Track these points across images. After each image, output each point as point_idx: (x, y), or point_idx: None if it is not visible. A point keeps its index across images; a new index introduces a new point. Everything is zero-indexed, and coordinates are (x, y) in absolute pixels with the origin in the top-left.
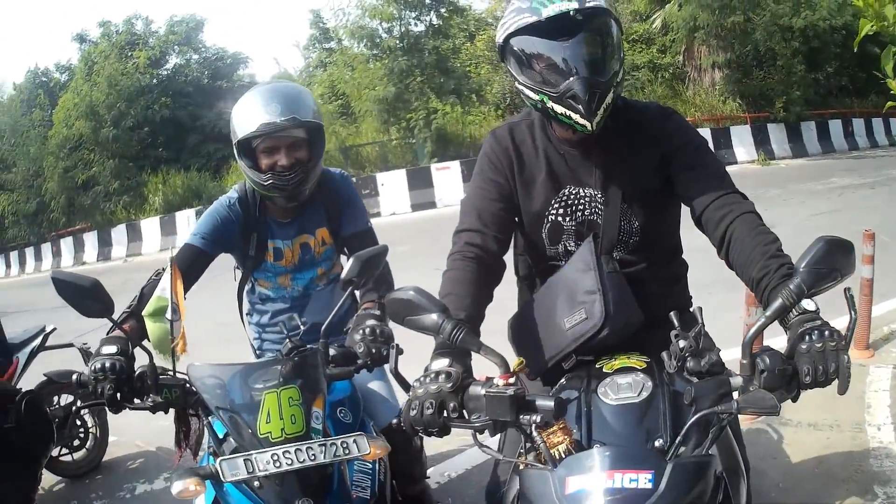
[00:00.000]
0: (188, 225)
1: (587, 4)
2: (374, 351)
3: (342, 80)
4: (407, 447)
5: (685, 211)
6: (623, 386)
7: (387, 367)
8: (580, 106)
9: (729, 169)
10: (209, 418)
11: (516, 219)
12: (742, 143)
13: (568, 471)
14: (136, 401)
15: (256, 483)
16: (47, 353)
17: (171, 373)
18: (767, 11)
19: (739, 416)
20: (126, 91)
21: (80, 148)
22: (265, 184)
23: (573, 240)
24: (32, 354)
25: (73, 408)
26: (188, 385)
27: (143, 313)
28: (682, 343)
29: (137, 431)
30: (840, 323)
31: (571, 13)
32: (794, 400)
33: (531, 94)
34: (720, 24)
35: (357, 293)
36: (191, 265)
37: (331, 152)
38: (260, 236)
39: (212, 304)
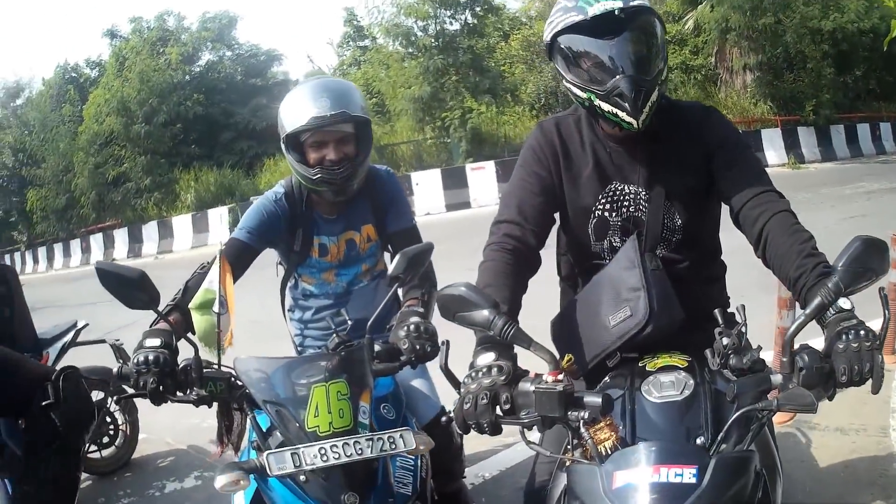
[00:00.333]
0: (220, 222)
1: (632, 3)
2: (418, 347)
3: (377, 78)
4: (448, 444)
5: (724, 212)
6: (666, 384)
7: (429, 364)
8: (626, 104)
9: None
10: (254, 412)
11: (556, 214)
12: (773, 146)
13: (615, 466)
14: (179, 394)
15: (302, 477)
16: (78, 349)
17: (215, 366)
18: (797, 13)
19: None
20: (158, 87)
21: (110, 144)
22: (313, 178)
23: (619, 236)
24: (63, 350)
25: (111, 399)
26: (234, 379)
27: (189, 306)
28: (725, 340)
29: (168, 429)
30: (873, 323)
31: (616, 12)
32: (831, 398)
33: (578, 92)
34: (751, 25)
35: (399, 290)
36: (236, 259)
37: None
38: (306, 232)
39: (244, 302)
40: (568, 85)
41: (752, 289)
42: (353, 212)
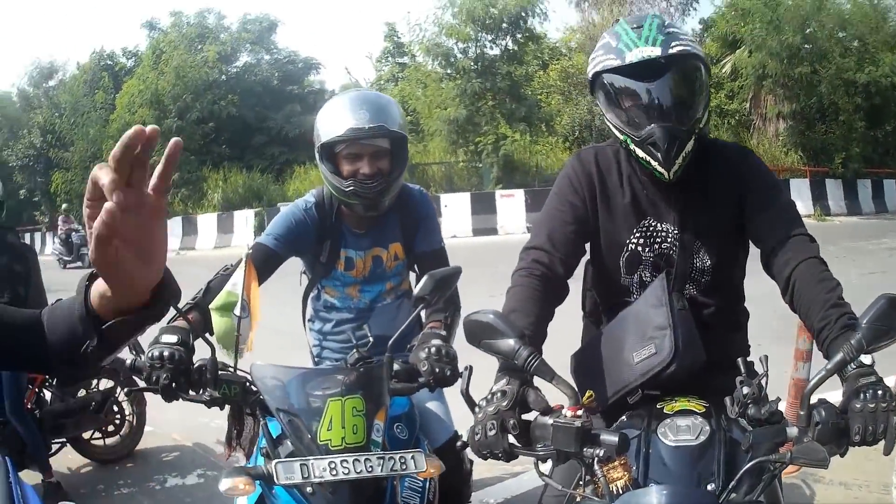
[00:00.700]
0: (245, 225)
1: (671, 49)
2: (437, 370)
3: (413, 96)
4: (458, 469)
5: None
6: (682, 428)
7: (447, 389)
8: (659, 154)
9: None
10: (266, 419)
11: (587, 245)
12: (800, 196)
13: None
14: (192, 392)
15: (309, 489)
16: None
17: (231, 369)
18: (833, 64)
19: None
20: (193, 84)
21: None
22: (346, 189)
23: (649, 271)
24: None
25: (120, 390)
26: (249, 384)
27: (209, 306)
28: (746, 389)
29: (175, 425)
30: (890, 379)
31: (654, 59)
32: (842, 455)
33: (617, 134)
34: (787, 73)
35: (423, 312)
36: (262, 265)
37: None
38: (333, 244)
39: (263, 309)
40: (608, 124)
41: (769, 338)
42: (383, 229)
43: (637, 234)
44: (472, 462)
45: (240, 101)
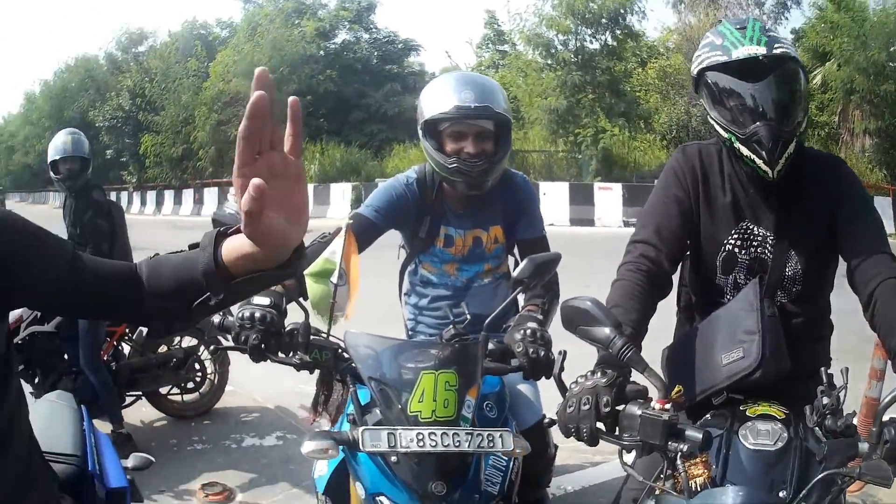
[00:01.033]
0: (343, 198)
1: (775, 50)
2: (531, 352)
3: (514, 84)
4: (543, 452)
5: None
6: (762, 432)
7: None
8: (764, 152)
9: None
10: (356, 387)
11: (688, 241)
12: (883, 214)
13: (703, 503)
14: (281, 355)
15: (394, 458)
16: None
17: (323, 335)
18: None
19: None
20: (290, 57)
21: (235, 104)
22: (449, 167)
23: (744, 273)
24: None
25: (203, 348)
26: (341, 351)
27: (305, 272)
28: (825, 400)
29: (257, 387)
30: None
31: (760, 57)
32: None
33: (721, 131)
34: (874, 90)
35: (520, 296)
36: (360, 235)
37: None
38: (434, 220)
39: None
40: (712, 122)
41: (844, 355)
42: (484, 211)
43: (735, 235)
44: (556, 447)
45: (338, 78)
